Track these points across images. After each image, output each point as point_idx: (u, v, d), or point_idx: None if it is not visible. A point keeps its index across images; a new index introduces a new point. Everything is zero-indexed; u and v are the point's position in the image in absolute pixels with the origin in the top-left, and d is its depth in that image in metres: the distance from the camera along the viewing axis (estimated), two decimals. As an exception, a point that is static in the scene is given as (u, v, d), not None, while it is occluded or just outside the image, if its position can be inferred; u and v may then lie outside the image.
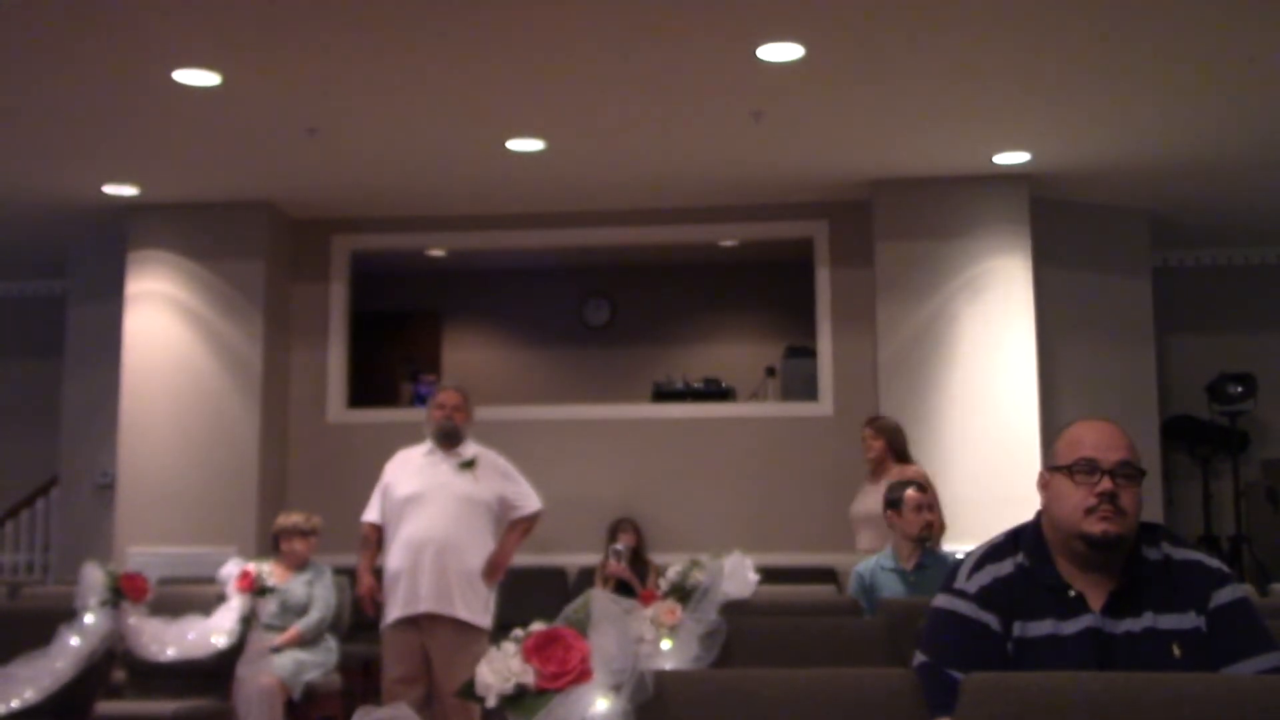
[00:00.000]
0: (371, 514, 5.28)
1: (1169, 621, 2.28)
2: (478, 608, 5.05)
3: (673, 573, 4.15)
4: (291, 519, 6.03)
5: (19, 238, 8.57)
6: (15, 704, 4.22)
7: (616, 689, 2.12)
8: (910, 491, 5.32)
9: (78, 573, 4.80)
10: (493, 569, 5.13)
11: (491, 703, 2.15)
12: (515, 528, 5.27)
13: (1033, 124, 6.42)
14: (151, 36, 5.19)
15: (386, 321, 9.86)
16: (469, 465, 5.18)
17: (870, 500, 5.73)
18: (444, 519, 5.07)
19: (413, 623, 5.01)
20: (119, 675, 5.35)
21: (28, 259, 9.24)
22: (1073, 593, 2.32)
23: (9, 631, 4.55)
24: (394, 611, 5.04)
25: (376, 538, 5.24)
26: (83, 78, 5.64)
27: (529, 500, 5.30)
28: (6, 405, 9.71)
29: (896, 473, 5.64)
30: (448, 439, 5.22)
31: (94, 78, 5.63)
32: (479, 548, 5.11)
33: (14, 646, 4.36)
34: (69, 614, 4.56)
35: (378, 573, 5.20)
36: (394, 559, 5.10)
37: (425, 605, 4.98)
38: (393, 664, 5.06)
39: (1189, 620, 2.28)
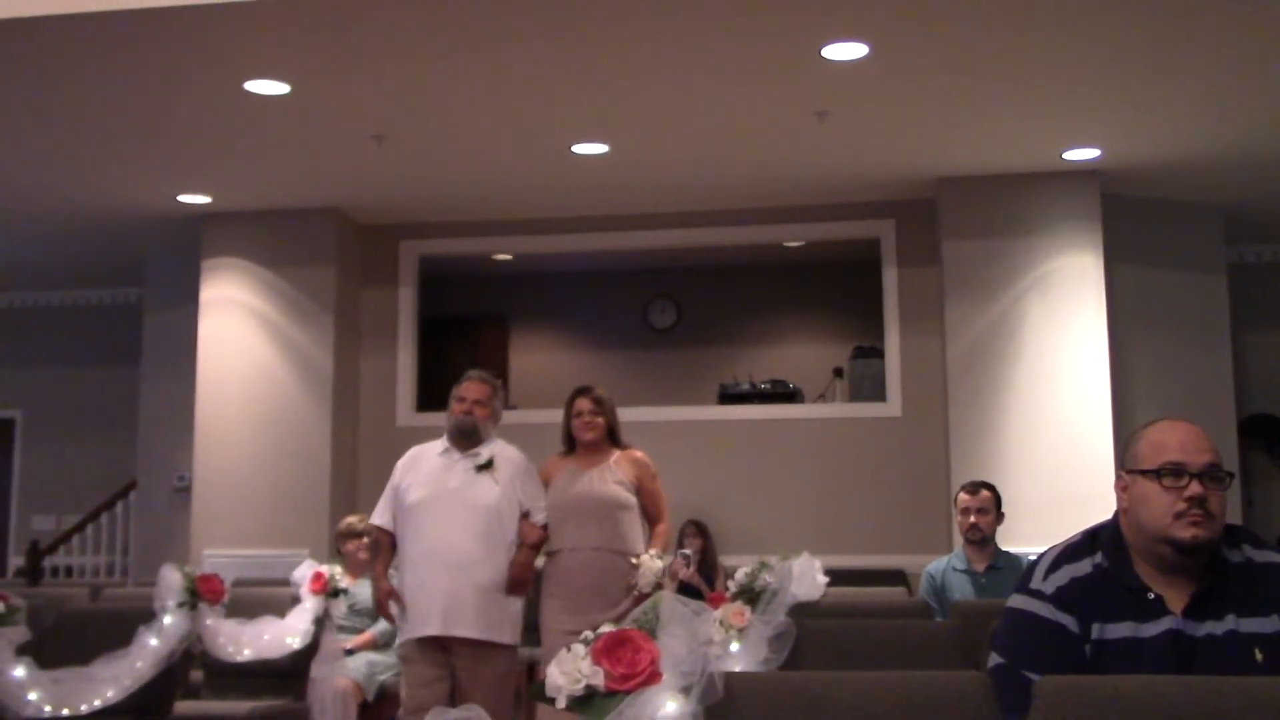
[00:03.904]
0: (381, 517, 4.79)
1: (1251, 625, 2.24)
2: (498, 623, 4.55)
3: (741, 575, 4.14)
4: (347, 521, 6.10)
5: (97, 247, 8.77)
6: (97, 703, 4.30)
7: (686, 691, 2.12)
8: (961, 493, 5.29)
9: (156, 575, 4.88)
10: (514, 587, 4.63)
11: (561, 704, 2.16)
12: (529, 536, 4.73)
13: (1103, 119, 6.33)
14: (223, 49, 5.29)
15: (454, 325, 9.94)
16: (486, 466, 4.66)
17: (592, 483, 4.91)
18: (457, 530, 4.57)
19: (431, 639, 4.56)
20: (196, 675, 5.44)
21: (106, 267, 9.45)
22: (1152, 595, 2.28)
23: (90, 632, 4.65)
24: (411, 630, 4.60)
25: (389, 541, 4.76)
26: (157, 90, 5.75)
27: (540, 511, 4.78)
28: (86, 411, 9.94)
29: (624, 455, 4.98)
30: (465, 438, 4.71)
31: (168, 89, 5.75)
32: (498, 558, 4.60)
33: (95, 647, 4.45)
34: (148, 615, 4.63)
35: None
36: (406, 573, 4.66)
37: (437, 627, 4.51)
38: (414, 674, 4.61)
39: (1272, 624, 2.24)
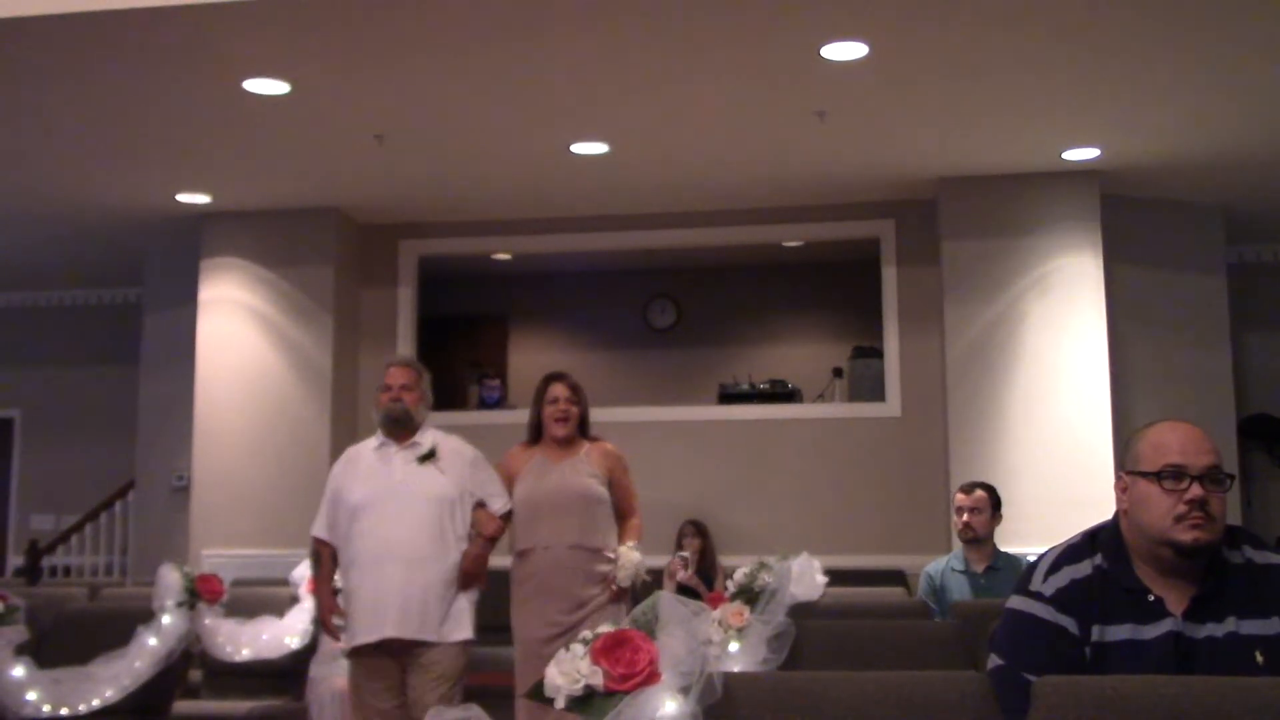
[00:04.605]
0: (319, 528, 4.47)
1: (1252, 627, 2.24)
2: (453, 622, 4.28)
3: (740, 575, 4.14)
4: None
5: (96, 246, 8.76)
6: (96, 703, 4.32)
7: (685, 691, 2.12)
8: (957, 494, 5.30)
9: (155, 574, 4.89)
10: (467, 581, 4.34)
11: (560, 704, 2.16)
12: (486, 527, 4.44)
13: (1102, 119, 6.33)
14: (222, 48, 5.28)
15: (453, 325, 9.95)
16: (429, 457, 4.38)
17: (564, 476, 4.68)
18: (404, 527, 4.27)
19: (379, 645, 4.25)
20: (195, 675, 5.45)
21: (105, 267, 9.45)
22: (1152, 597, 2.28)
23: (89, 632, 4.65)
24: (357, 637, 4.27)
25: (330, 553, 4.44)
26: (157, 89, 5.75)
27: (497, 498, 4.50)
28: (85, 411, 9.94)
29: (595, 446, 4.78)
30: (398, 426, 4.40)
31: (168, 89, 5.74)
32: (449, 553, 4.31)
33: (94, 646, 4.46)
34: (147, 615, 4.65)
35: (338, 591, 4.47)
36: (350, 578, 4.32)
37: (391, 630, 4.20)
38: (364, 689, 4.31)
39: (1273, 626, 2.24)
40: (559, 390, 4.74)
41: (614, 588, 4.58)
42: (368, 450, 4.47)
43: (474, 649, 4.43)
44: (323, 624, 4.48)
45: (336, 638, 4.40)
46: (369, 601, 4.23)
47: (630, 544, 4.62)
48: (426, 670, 4.22)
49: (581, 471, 4.65)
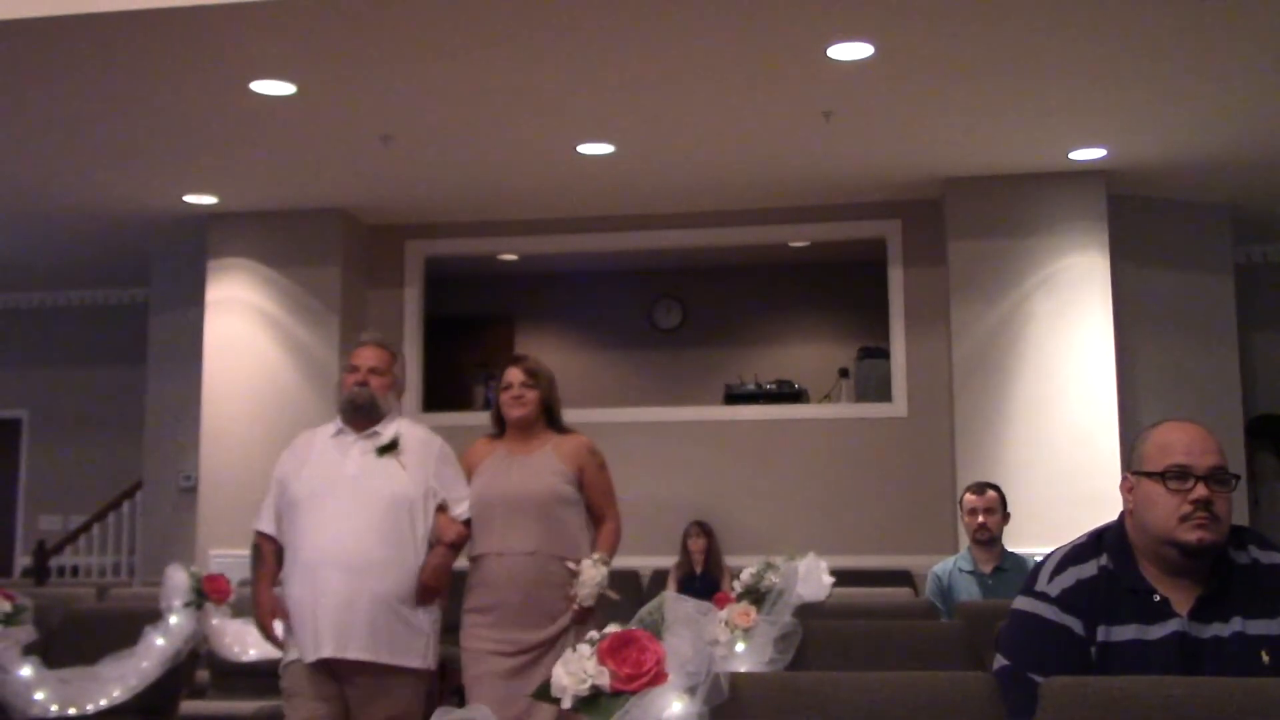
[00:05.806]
0: (263, 521, 3.92)
1: (1258, 627, 2.24)
2: (403, 643, 3.72)
3: (747, 575, 4.13)
4: None
5: (104, 247, 8.78)
6: (104, 702, 4.31)
7: (691, 691, 2.12)
8: (967, 494, 5.28)
9: (162, 574, 4.89)
10: (425, 594, 3.78)
11: (567, 704, 2.16)
12: (446, 532, 3.90)
13: (1109, 119, 6.32)
14: (229, 49, 5.30)
15: (460, 325, 9.95)
16: (389, 449, 3.85)
17: (532, 476, 4.12)
18: (354, 528, 3.71)
19: (320, 663, 3.70)
20: (202, 675, 5.45)
21: (112, 267, 9.47)
22: (1157, 597, 2.28)
23: (97, 632, 4.65)
24: (294, 651, 3.75)
25: (273, 549, 3.90)
26: (163, 90, 5.76)
27: (463, 500, 3.97)
28: (93, 411, 9.96)
29: (565, 440, 4.23)
30: (361, 414, 3.88)
31: (174, 90, 5.76)
32: (406, 561, 3.75)
33: (102, 647, 4.46)
34: (154, 615, 4.64)
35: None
36: (291, 583, 3.77)
37: (329, 648, 3.64)
38: (298, 710, 3.74)
39: (1278, 625, 2.23)
40: (512, 375, 4.20)
41: (575, 607, 3.98)
42: (322, 436, 3.95)
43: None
44: (262, 630, 3.90)
45: (278, 645, 3.83)
46: (306, 614, 3.69)
47: (597, 556, 4.03)
48: (372, 708, 3.70)
49: (544, 468, 4.10)
